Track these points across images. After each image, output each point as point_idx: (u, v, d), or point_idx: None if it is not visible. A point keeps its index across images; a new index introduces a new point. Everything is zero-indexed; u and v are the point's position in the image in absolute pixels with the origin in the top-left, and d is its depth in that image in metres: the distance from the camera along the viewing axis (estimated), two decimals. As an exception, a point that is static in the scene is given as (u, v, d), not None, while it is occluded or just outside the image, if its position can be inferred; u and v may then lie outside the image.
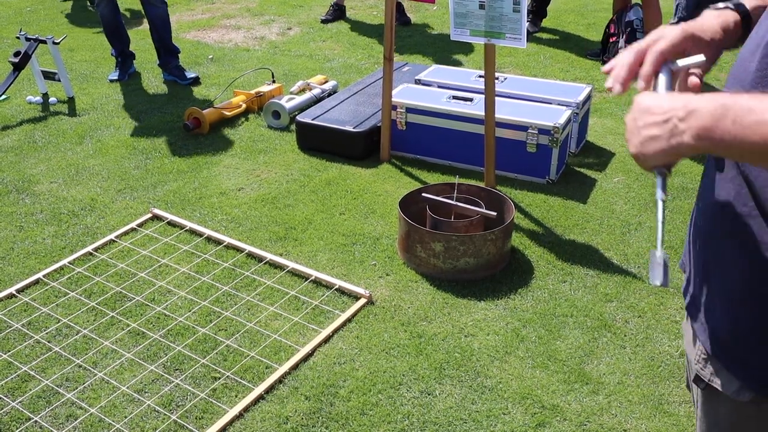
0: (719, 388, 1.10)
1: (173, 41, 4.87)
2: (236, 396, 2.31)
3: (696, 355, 1.15)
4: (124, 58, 4.97)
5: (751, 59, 1.01)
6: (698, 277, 1.14)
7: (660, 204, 1.05)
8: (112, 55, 5.03)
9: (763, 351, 1.04)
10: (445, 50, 5.50)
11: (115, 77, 4.94)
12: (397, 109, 3.79)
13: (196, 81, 4.87)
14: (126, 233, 3.20)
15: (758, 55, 0.99)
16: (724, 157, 0.94)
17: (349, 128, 3.82)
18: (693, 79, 1.12)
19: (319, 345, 2.52)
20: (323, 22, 6.25)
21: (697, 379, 1.15)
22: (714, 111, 0.90)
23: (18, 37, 4.59)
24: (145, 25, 6.12)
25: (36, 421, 2.22)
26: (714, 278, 1.10)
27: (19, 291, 2.81)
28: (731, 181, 1.04)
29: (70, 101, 4.62)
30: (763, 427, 1.09)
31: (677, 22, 4.39)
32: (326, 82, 4.66)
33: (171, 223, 3.27)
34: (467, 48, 5.45)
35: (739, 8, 1.14)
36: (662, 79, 1.12)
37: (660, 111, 0.98)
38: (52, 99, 4.61)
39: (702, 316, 1.13)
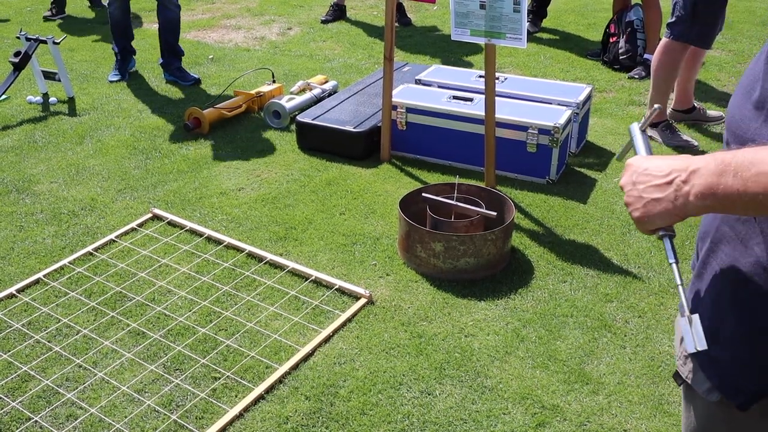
0: (693, 387, 1.12)
1: (178, 43, 4.88)
2: (236, 396, 2.31)
3: (678, 351, 1.16)
4: (124, 54, 4.94)
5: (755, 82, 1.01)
6: (694, 277, 1.15)
7: (674, 267, 1.06)
8: (113, 50, 4.99)
9: (739, 355, 1.04)
10: (446, 50, 5.51)
11: (116, 78, 4.91)
12: (398, 109, 3.79)
13: (197, 83, 4.87)
14: (126, 233, 3.20)
15: (762, 61, 0.99)
16: (730, 213, 0.95)
17: (350, 128, 3.82)
18: None
19: (319, 345, 2.51)
20: (323, 22, 6.25)
21: (677, 376, 1.16)
22: (716, 168, 0.91)
23: (18, 37, 4.59)
24: (147, 26, 6.13)
25: (36, 421, 2.22)
26: (705, 279, 1.10)
27: (19, 291, 2.81)
28: None
29: (71, 101, 4.62)
30: (734, 430, 1.09)
31: (675, 22, 4.34)
32: (326, 82, 4.66)
33: (171, 223, 3.27)
34: (467, 48, 5.45)
35: None
36: (641, 141, 1.14)
37: (661, 173, 0.99)
38: (52, 99, 4.61)
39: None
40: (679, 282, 1.05)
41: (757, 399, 1.03)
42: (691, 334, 0.99)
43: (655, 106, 1.21)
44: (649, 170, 1.01)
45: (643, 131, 1.17)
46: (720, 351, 1.06)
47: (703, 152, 3.86)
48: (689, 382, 1.13)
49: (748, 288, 1.00)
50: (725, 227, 1.05)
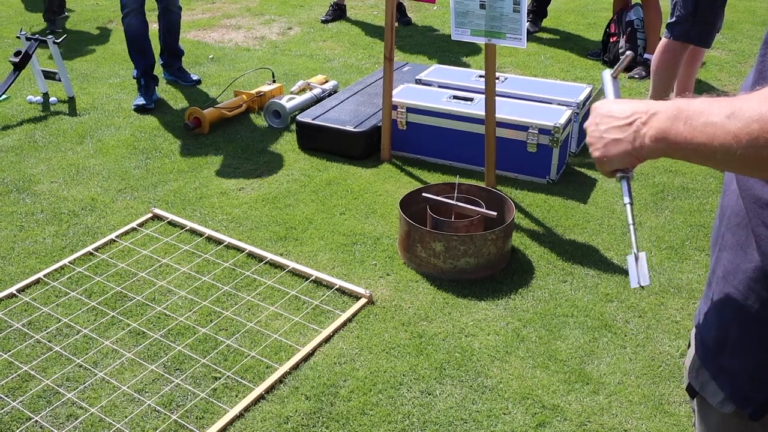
0: (707, 399, 1.10)
1: (179, 43, 4.86)
2: (237, 396, 2.31)
3: (689, 363, 1.15)
4: (147, 80, 4.50)
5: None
6: (706, 287, 1.14)
7: (628, 208, 1.09)
8: (133, 77, 4.60)
9: (747, 364, 1.03)
10: (446, 50, 5.50)
11: (141, 102, 4.43)
12: (398, 109, 3.79)
13: (197, 83, 4.85)
14: (126, 233, 3.20)
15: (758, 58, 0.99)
16: (681, 159, 0.96)
17: (350, 128, 3.82)
18: None
19: (320, 345, 2.51)
20: (323, 22, 6.25)
21: (690, 389, 1.15)
22: (671, 113, 0.93)
23: (18, 37, 4.59)
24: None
25: (36, 421, 2.22)
26: (712, 288, 1.09)
27: (19, 291, 2.81)
28: (733, 193, 1.04)
29: (71, 101, 4.62)
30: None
31: (675, 22, 4.34)
32: (327, 81, 4.66)
33: (171, 223, 3.27)
34: (467, 48, 5.45)
35: None
36: (610, 86, 1.17)
37: (623, 115, 1.01)
38: (52, 99, 4.61)
39: (699, 322, 1.13)
40: (630, 222, 1.08)
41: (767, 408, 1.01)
42: (636, 271, 1.02)
43: (628, 52, 1.22)
44: (612, 112, 1.03)
45: (615, 78, 1.20)
46: (729, 360, 1.05)
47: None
48: (702, 394, 1.11)
49: (751, 295, 0.99)
50: (728, 234, 1.04)
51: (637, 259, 1.03)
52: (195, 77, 4.89)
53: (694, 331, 1.15)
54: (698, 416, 1.17)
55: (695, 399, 1.14)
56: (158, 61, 4.90)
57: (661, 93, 3.92)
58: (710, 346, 1.08)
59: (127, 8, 4.32)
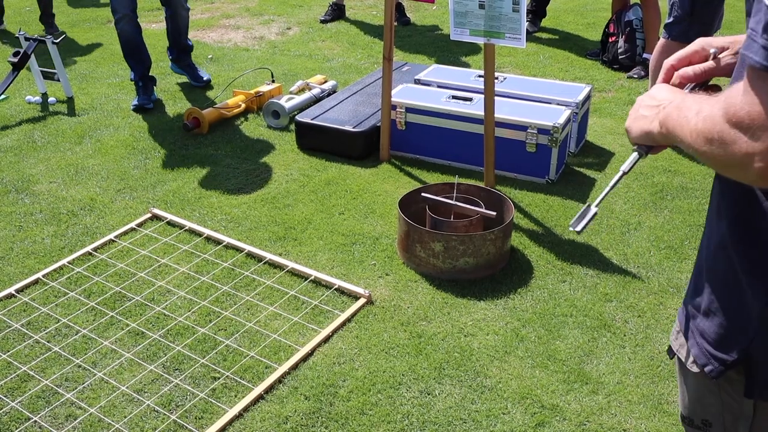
0: (681, 359, 1.17)
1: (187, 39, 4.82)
2: (236, 396, 2.31)
3: (674, 328, 1.22)
4: (145, 82, 4.50)
5: None
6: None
7: (619, 174, 1.22)
8: (131, 80, 4.63)
9: (711, 324, 1.09)
10: (445, 50, 5.50)
11: (142, 103, 4.45)
12: (397, 109, 3.79)
13: (207, 82, 4.79)
14: (125, 233, 3.20)
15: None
16: (674, 144, 1.05)
17: (349, 128, 3.82)
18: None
19: (319, 345, 2.51)
20: (322, 22, 6.25)
21: (669, 350, 1.23)
22: (677, 103, 1.00)
23: (17, 37, 4.59)
24: (145, 26, 6.11)
25: (35, 421, 2.22)
26: (698, 255, 1.17)
27: (18, 291, 2.81)
28: None
29: (70, 101, 4.62)
30: (725, 402, 1.12)
31: (672, 22, 4.35)
32: (326, 81, 4.66)
33: (170, 223, 3.26)
34: (467, 48, 5.45)
35: None
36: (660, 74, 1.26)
37: (658, 99, 1.09)
38: (51, 99, 4.61)
39: (687, 291, 1.20)
40: (612, 183, 1.24)
41: (726, 369, 1.07)
42: (583, 219, 1.18)
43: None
44: (653, 95, 1.12)
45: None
46: (700, 322, 1.12)
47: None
48: (680, 356, 1.19)
49: (719, 259, 1.07)
50: (713, 204, 1.11)
51: (588, 210, 1.19)
52: (206, 77, 4.83)
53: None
54: (678, 377, 1.24)
55: (673, 360, 1.23)
56: (168, 56, 4.87)
57: None
58: (688, 311, 1.15)
59: (118, 14, 4.29)
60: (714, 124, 0.87)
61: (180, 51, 4.77)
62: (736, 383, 1.08)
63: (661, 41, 3.84)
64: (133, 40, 4.40)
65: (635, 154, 1.18)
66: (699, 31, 3.72)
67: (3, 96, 4.64)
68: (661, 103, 1.07)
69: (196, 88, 4.81)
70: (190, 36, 4.86)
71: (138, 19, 4.41)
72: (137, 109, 4.43)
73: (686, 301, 1.17)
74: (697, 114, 0.92)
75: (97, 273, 2.92)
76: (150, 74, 4.56)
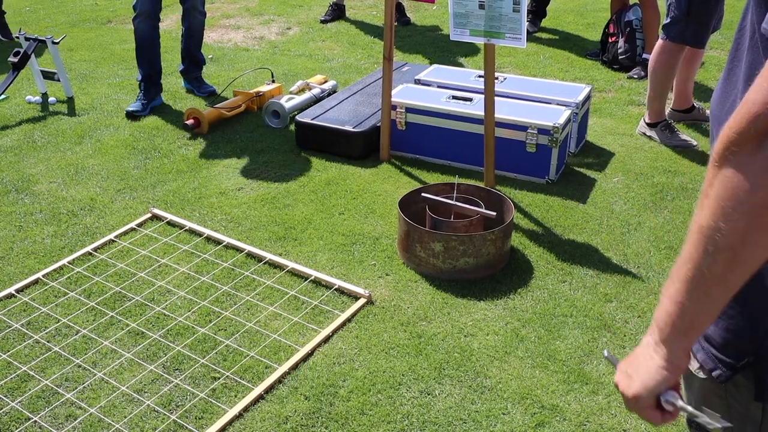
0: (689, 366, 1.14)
1: (200, 51, 4.75)
2: (236, 396, 2.31)
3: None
4: (147, 86, 4.44)
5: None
6: None
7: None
8: (136, 80, 4.53)
9: (717, 328, 1.07)
10: (445, 50, 5.51)
11: (133, 108, 4.36)
12: (397, 109, 3.79)
13: (212, 94, 4.72)
14: (125, 233, 3.20)
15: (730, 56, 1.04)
16: (703, 325, 0.97)
17: (349, 128, 3.82)
18: None
19: (319, 345, 2.51)
20: (322, 22, 6.25)
21: None
22: (659, 302, 0.97)
23: (17, 37, 4.59)
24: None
25: (35, 421, 2.22)
26: None
27: (18, 291, 2.81)
28: None
29: (70, 101, 4.62)
30: (732, 407, 1.10)
31: (670, 23, 4.34)
32: (326, 81, 4.66)
33: (170, 223, 3.26)
34: (467, 48, 5.45)
35: None
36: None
37: (628, 361, 1.07)
38: (51, 99, 4.61)
39: None
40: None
41: (734, 373, 1.05)
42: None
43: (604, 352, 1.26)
44: (621, 370, 1.09)
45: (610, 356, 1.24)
46: (709, 328, 1.10)
47: (702, 152, 3.87)
48: None
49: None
50: None
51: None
52: (210, 88, 4.76)
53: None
54: (683, 383, 1.21)
55: None
56: (177, 68, 4.83)
57: (658, 94, 3.93)
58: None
59: (136, 11, 4.30)
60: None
61: (190, 62, 4.70)
62: (743, 387, 1.06)
63: (660, 42, 3.84)
64: (147, 41, 4.38)
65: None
66: (696, 31, 3.73)
67: (3, 96, 4.64)
68: (635, 355, 1.05)
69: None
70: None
71: (159, 23, 4.39)
72: (129, 115, 4.35)
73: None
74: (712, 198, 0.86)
75: (97, 273, 2.92)
76: (157, 81, 4.50)
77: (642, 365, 1.04)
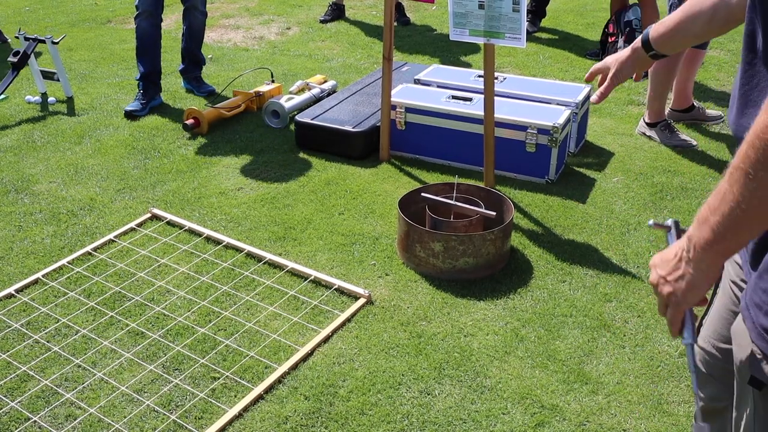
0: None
1: (200, 51, 4.75)
2: (235, 396, 2.31)
3: (748, 355, 1.11)
4: (146, 85, 4.43)
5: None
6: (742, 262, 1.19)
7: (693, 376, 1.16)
8: (136, 79, 4.52)
9: None
10: (445, 50, 5.51)
11: (131, 108, 4.36)
12: (397, 109, 3.79)
13: (211, 94, 4.73)
14: (125, 233, 3.20)
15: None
16: (741, 246, 1.03)
17: (349, 128, 3.82)
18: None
19: (319, 345, 2.51)
20: (322, 22, 6.25)
21: (754, 381, 1.11)
22: (696, 224, 1.03)
23: (17, 37, 4.59)
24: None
25: (35, 421, 2.22)
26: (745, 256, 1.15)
27: (18, 291, 2.81)
28: None
29: (69, 101, 4.61)
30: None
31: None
32: (325, 81, 4.66)
33: (170, 223, 3.26)
34: (467, 48, 5.45)
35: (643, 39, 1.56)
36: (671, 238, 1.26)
37: (670, 255, 1.10)
38: (51, 99, 4.61)
39: (753, 311, 1.10)
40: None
41: None
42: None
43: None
44: (663, 257, 1.12)
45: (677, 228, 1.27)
46: None
47: (702, 152, 3.87)
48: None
49: None
50: None
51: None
52: (210, 87, 4.76)
53: (746, 323, 1.11)
54: (751, 404, 1.14)
55: (759, 392, 1.12)
56: (177, 68, 4.82)
57: (659, 94, 3.93)
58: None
59: (138, 9, 4.30)
60: None
61: (190, 61, 4.70)
62: None
63: None
64: (148, 39, 4.38)
65: (689, 349, 1.14)
66: None
67: (3, 96, 4.64)
68: (678, 253, 1.08)
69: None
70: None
71: (161, 22, 4.39)
72: (128, 115, 4.35)
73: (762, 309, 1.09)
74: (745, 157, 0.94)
75: (97, 273, 2.92)
76: (156, 81, 4.50)
77: (675, 274, 1.09)
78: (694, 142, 3.93)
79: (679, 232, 1.21)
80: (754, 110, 1.03)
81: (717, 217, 0.98)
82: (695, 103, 4.20)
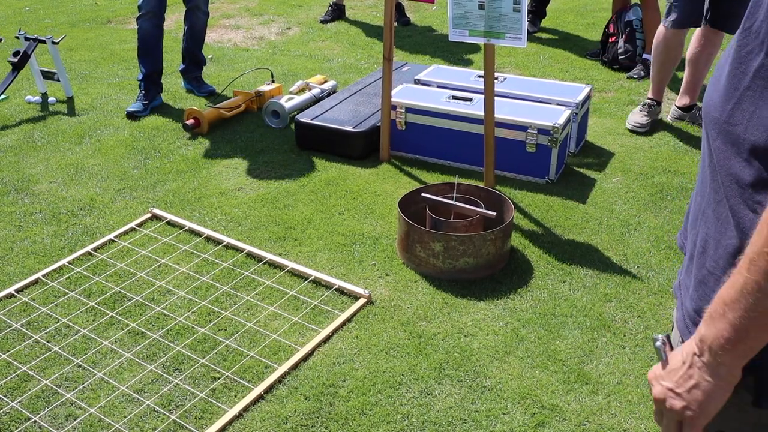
0: None
1: (201, 51, 4.75)
2: (236, 396, 2.31)
3: (674, 340, 1.12)
4: (147, 85, 4.43)
5: (725, 64, 1.02)
6: (687, 259, 1.13)
7: None
8: (137, 79, 4.53)
9: None
10: (445, 50, 5.51)
11: (133, 109, 4.36)
12: (397, 109, 3.79)
13: (211, 94, 4.72)
14: (125, 233, 3.20)
15: (729, 59, 1.00)
16: (763, 344, 0.92)
17: (349, 128, 3.82)
18: None
19: (319, 345, 2.51)
20: (322, 22, 6.25)
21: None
22: (708, 321, 0.92)
23: (17, 37, 4.59)
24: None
25: (35, 421, 2.22)
26: (694, 260, 1.08)
27: (18, 291, 2.81)
28: (708, 169, 1.03)
29: (70, 101, 4.62)
30: (740, 418, 1.06)
31: (669, 9, 4.40)
32: (325, 81, 4.66)
33: (170, 223, 3.26)
34: (467, 48, 5.45)
35: None
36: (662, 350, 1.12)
37: (677, 363, 0.98)
38: (51, 99, 4.61)
39: (680, 297, 1.11)
40: None
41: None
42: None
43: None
44: (670, 369, 1.01)
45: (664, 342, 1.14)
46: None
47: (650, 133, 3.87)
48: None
49: (730, 270, 0.97)
50: (708, 210, 1.03)
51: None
52: (210, 87, 4.76)
53: (676, 308, 1.13)
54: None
55: None
56: (178, 68, 4.82)
57: (660, 77, 4.06)
58: (692, 317, 1.06)
59: (142, 10, 4.30)
60: None
61: (191, 61, 4.69)
62: (741, 393, 1.01)
63: (661, 28, 3.94)
64: (150, 39, 4.38)
65: None
66: (692, 11, 3.84)
67: (3, 96, 4.64)
68: (687, 360, 0.95)
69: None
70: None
71: (163, 22, 4.39)
72: (129, 115, 4.35)
73: (687, 305, 1.09)
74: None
75: (97, 273, 2.92)
76: (158, 81, 4.49)
77: (687, 384, 0.98)
78: (643, 129, 4.05)
79: (671, 347, 1.09)
80: (748, 104, 0.96)
81: (738, 312, 0.88)
82: (697, 104, 4.21)
